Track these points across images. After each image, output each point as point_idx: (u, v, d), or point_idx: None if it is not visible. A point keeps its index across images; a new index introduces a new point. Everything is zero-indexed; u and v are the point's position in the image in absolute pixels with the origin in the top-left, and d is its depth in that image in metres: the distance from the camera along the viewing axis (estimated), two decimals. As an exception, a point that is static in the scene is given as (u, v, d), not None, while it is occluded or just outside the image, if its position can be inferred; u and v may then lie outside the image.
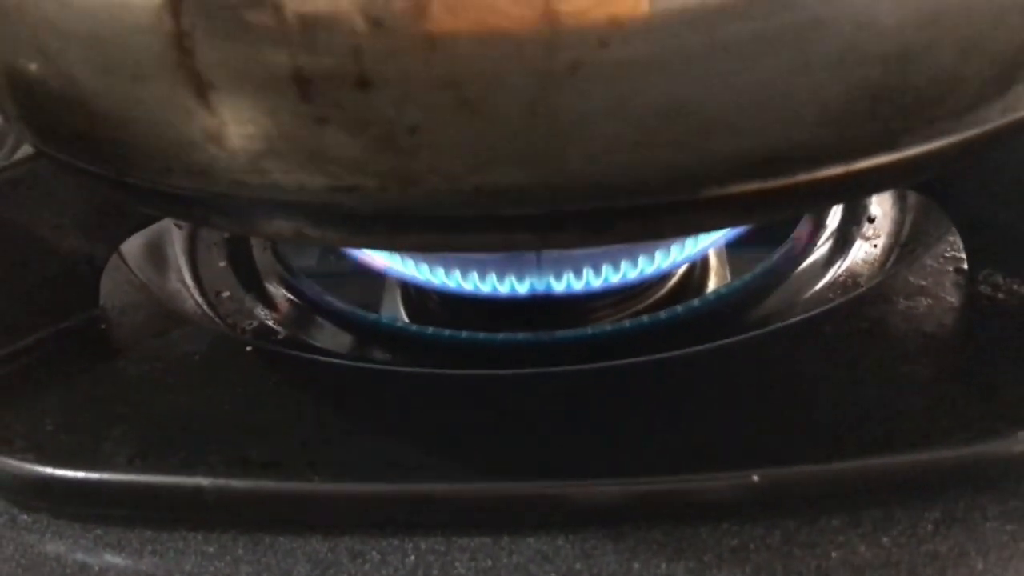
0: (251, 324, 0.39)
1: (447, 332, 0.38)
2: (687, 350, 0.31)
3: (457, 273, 0.38)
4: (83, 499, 0.29)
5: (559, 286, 0.38)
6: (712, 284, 0.43)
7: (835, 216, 0.42)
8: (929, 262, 0.34)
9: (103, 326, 0.35)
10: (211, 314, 0.39)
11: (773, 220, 0.39)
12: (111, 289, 0.36)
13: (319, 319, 0.40)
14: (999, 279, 0.32)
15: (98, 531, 0.28)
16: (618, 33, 0.19)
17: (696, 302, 0.38)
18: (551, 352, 0.37)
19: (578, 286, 0.38)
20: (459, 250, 0.35)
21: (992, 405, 0.28)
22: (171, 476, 0.28)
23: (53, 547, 0.28)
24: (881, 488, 0.27)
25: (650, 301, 0.41)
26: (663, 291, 0.42)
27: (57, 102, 0.24)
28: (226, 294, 0.41)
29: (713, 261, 0.43)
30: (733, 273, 0.43)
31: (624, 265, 0.38)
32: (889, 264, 0.39)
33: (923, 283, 0.33)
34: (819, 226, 0.41)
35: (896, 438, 0.27)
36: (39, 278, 0.33)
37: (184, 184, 0.24)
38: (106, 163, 0.26)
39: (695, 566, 0.26)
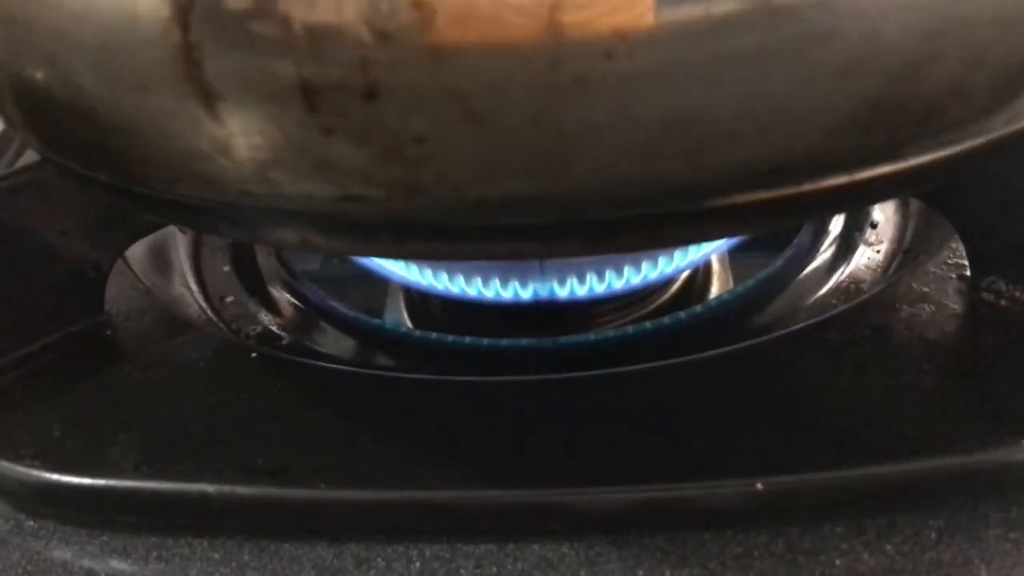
0: (255, 329, 0.39)
1: (450, 337, 0.38)
2: (691, 357, 0.32)
3: (461, 278, 0.38)
4: (89, 505, 0.29)
5: (562, 292, 0.38)
6: (715, 289, 0.43)
7: (838, 222, 0.42)
8: (932, 269, 0.34)
9: (108, 332, 0.35)
10: (215, 319, 0.39)
11: (777, 229, 0.39)
12: (116, 294, 0.36)
13: (323, 324, 0.40)
14: (1002, 286, 0.32)
15: (104, 537, 0.28)
16: (623, 45, 0.19)
17: (699, 308, 0.38)
18: (554, 358, 0.37)
19: (581, 292, 0.38)
20: (464, 259, 0.35)
21: (995, 413, 0.28)
22: (177, 483, 0.28)
23: (59, 553, 0.28)
24: (884, 496, 0.27)
25: (653, 306, 0.41)
26: (666, 296, 0.42)
27: (64, 111, 0.25)
28: (230, 299, 0.41)
29: (716, 266, 0.43)
30: (736, 278, 0.43)
31: (627, 271, 0.38)
32: (892, 270, 0.39)
33: (926, 290, 0.33)
34: (822, 232, 0.42)
35: (899, 446, 0.27)
36: (45, 284, 0.34)
37: (191, 193, 0.25)
38: (113, 171, 0.26)
39: (699, 573, 0.26)
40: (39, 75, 0.24)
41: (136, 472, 0.28)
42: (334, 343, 0.39)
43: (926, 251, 0.37)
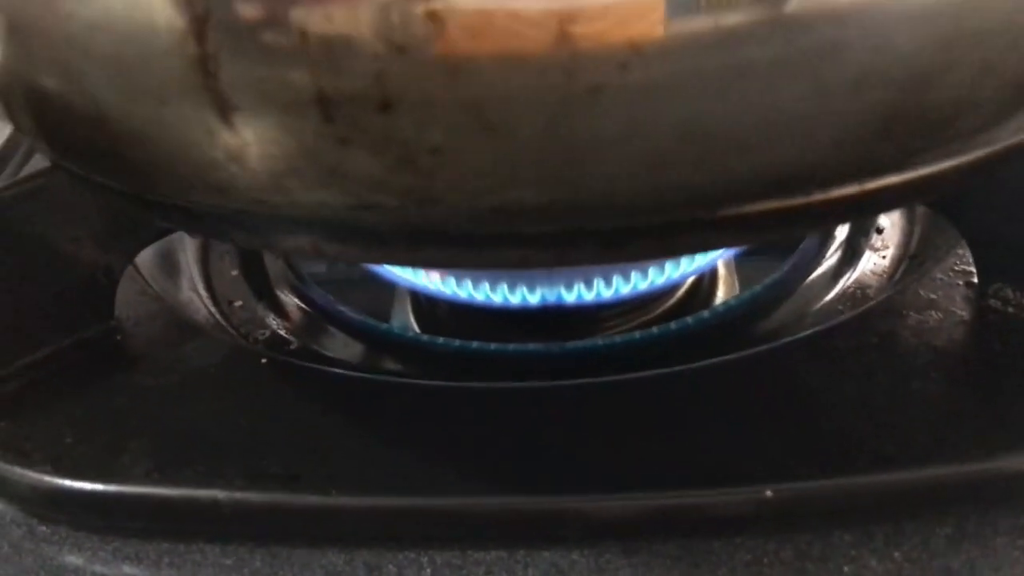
0: (263, 334, 0.39)
1: (457, 342, 0.38)
2: (698, 364, 0.32)
3: (468, 283, 0.39)
4: (101, 511, 0.29)
5: (570, 296, 0.38)
6: (721, 293, 0.43)
7: (844, 227, 0.42)
8: (939, 275, 0.34)
9: (119, 337, 0.35)
10: (224, 324, 0.39)
11: (786, 238, 0.40)
12: (126, 300, 0.36)
13: (331, 328, 0.41)
14: (1009, 293, 0.32)
15: (116, 543, 0.28)
16: (637, 57, 0.20)
17: (706, 313, 0.38)
18: (562, 363, 0.37)
19: (589, 297, 0.38)
20: (476, 267, 0.35)
21: (1003, 420, 0.28)
22: (188, 489, 0.28)
23: (71, 559, 0.28)
24: (893, 503, 0.27)
25: (659, 311, 0.41)
26: (672, 301, 0.42)
27: (78, 120, 0.25)
28: (238, 303, 0.41)
29: (722, 270, 0.43)
30: (741, 282, 0.43)
31: (635, 276, 0.38)
32: (898, 275, 0.39)
33: (933, 297, 0.33)
34: (828, 237, 0.42)
35: (908, 453, 0.27)
36: (56, 290, 0.34)
37: (205, 201, 0.25)
38: (126, 179, 0.26)
39: (708, 580, 0.26)
40: (53, 84, 0.24)
41: (147, 478, 0.28)
42: (342, 347, 0.40)
43: (933, 257, 0.37)
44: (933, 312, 0.33)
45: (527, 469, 0.28)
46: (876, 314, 0.33)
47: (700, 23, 0.20)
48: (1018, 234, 0.33)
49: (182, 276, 0.42)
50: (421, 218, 0.23)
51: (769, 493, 0.27)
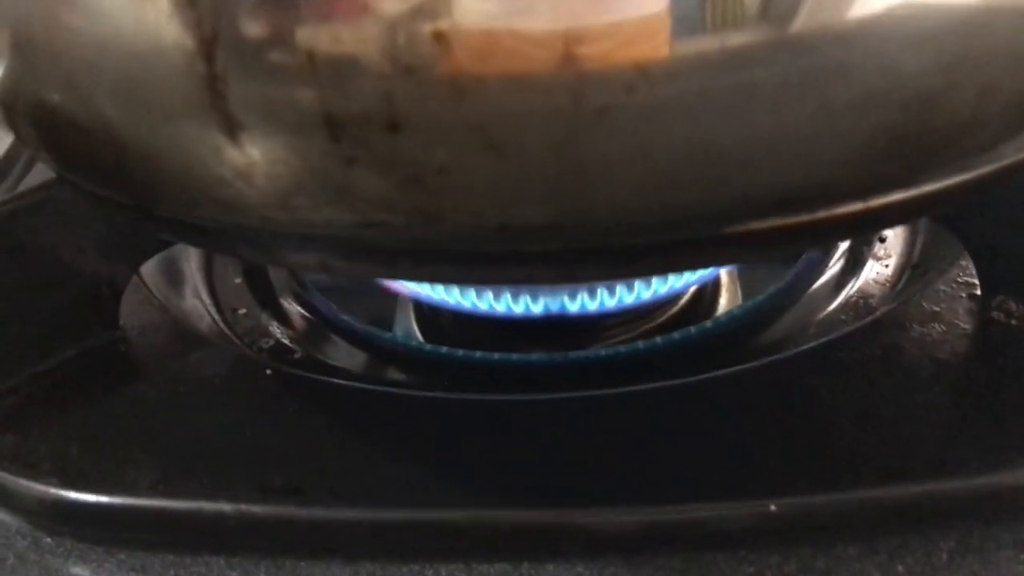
0: (267, 343, 0.39)
1: (461, 352, 0.38)
2: (702, 376, 0.32)
3: (472, 293, 0.39)
4: (107, 523, 0.29)
5: (573, 306, 0.39)
6: (723, 301, 0.43)
7: (846, 237, 0.42)
8: (942, 287, 0.35)
9: (123, 348, 0.35)
10: (228, 332, 0.39)
11: (790, 254, 0.40)
12: (130, 309, 0.36)
13: (334, 337, 0.41)
14: (1012, 306, 0.33)
15: (121, 555, 0.28)
16: (644, 79, 0.20)
17: (709, 324, 0.38)
18: (564, 373, 0.37)
19: (592, 306, 0.39)
20: (481, 283, 0.35)
21: (1006, 434, 0.28)
22: (194, 501, 0.28)
23: (77, 570, 0.28)
24: (896, 516, 0.27)
25: (662, 319, 0.41)
26: (675, 308, 0.42)
27: (84, 135, 0.25)
28: (242, 311, 0.41)
29: (724, 279, 0.43)
30: (744, 289, 0.43)
31: (638, 286, 0.38)
32: (901, 285, 0.39)
33: (936, 309, 0.33)
34: (831, 246, 0.42)
35: (911, 467, 0.28)
36: (61, 301, 0.34)
37: (211, 217, 0.25)
38: (132, 194, 0.26)
39: (713, 594, 0.26)
40: (60, 101, 0.24)
41: (153, 491, 0.29)
42: (346, 356, 0.40)
43: (936, 267, 0.37)
44: (936, 324, 0.33)
45: (531, 482, 0.28)
46: (880, 326, 0.33)
47: (706, 44, 0.20)
48: (1021, 246, 0.33)
49: (186, 284, 0.42)
50: (427, 236, 0.23)
51: (773, 507, 0.27)
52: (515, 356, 0.37)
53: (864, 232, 0.36)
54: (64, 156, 0.28)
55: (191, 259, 0.43)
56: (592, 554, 0.27)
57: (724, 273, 0.43)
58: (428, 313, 0.43)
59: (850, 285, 0.40)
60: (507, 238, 0.23)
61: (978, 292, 0.34)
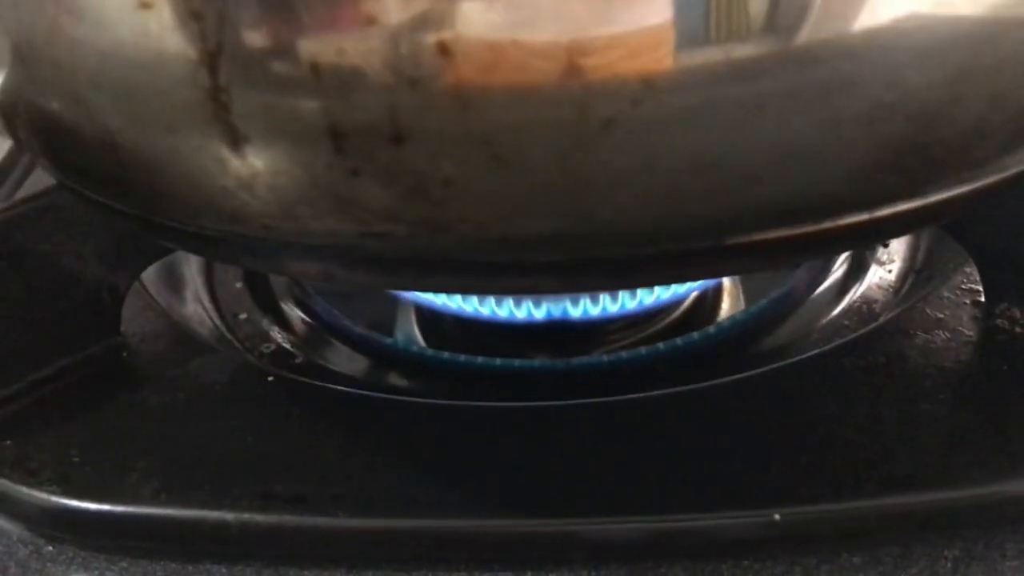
0: (268, 347, 0.39)
1: (462, 357, 0.38)
2: (705, 384, 0.32)
3: (474, 297, 0.38)
4: (108, 531, 0.29)
5: (576, 312, 0.38)
6: (726, 305, 0.43)
7: (849, 241, 0.42)
8: (946, 294, 0.34)
9: (125, 354, 0.35)
10: (229, 337, 0.39)
11: (795, 264, 0.40)
12: (131, 315, 0.36)
13: (336, 342, 0.41)
14: (1016, 313, 0.32)
15: (123, 563, 0.28)
16: (649, 92, 0.20)
17: (712, 329, 0.38)
18: (567, 379, 0.37)
19: (595, 312, 0.38)
20: (485, 293, 0.35)
21: (1011, 443, 0.28)
22: (196, 510, 0.28)
23: (79, 579, 0.28)
24: (901, 526, 0.27)
25: (665, 323, 0.41)
26: (677, 313, 0.42)
27: (86, 145, 0.25)
28: (243, 316, 0.41)
29: (727, 283, 0.43)
30: (746, 293, 0.43)
31: (641, 291, 0.38)
32: (904, 290, 0.39)
33: (940, 316, 0.33)
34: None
35: (915, 476, 0.27)
36: (62, 307, 0.34)
37: (214, 226, 0.25)
38: (134, 203, 0.26)
39: (717, 604, 0.26)
40: (61, 109, 0.24)
41: (155, 499, 0.28)
42: (347, 361, 0.40)
43: (940, 272, 0.37)
44: (940, 332, 0.33)
45: (534, 491, 0.28)
46: (884, 334, 0.33)
47: (711, 56, 0.20)
48: (1024, 254, 0.33)
49: (187, 289, 0.42)
50: (431, 246, 0.23)
51: (777, 516, 0.27)
52: (517, 361, 0.37)
53: (868, 242, 0.36)
54: (65, 164, 0.28)
55: (192, 264, 0.43)
56: (594, 563, 0.27)
57: (726, 278, 0.43)
58: (430, 317, 0.43)
59: (853, 290, 0.40)
60: (511, 248, 0.23)
61: (982, 299, 0.34)
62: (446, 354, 0.38)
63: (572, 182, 0.21)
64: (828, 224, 0.23)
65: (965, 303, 0.34)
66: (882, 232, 0.25)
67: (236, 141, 0.21)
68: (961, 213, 0.25)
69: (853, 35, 0.20)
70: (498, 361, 0.37)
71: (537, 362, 0.37)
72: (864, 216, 0.23)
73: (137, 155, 0.23)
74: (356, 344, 0.40)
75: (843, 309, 0.39)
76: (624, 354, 0.38)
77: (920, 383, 0.31)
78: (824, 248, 0.26)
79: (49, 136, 0.26)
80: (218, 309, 0.41)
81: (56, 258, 0.34)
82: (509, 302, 0.38)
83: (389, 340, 0.40)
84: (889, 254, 0.41)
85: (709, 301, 0.43)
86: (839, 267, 0.41)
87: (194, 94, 0.21)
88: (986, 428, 0.29)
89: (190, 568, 0.28)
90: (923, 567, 0.26)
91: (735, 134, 0.21)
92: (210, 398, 0.33)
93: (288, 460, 0.30)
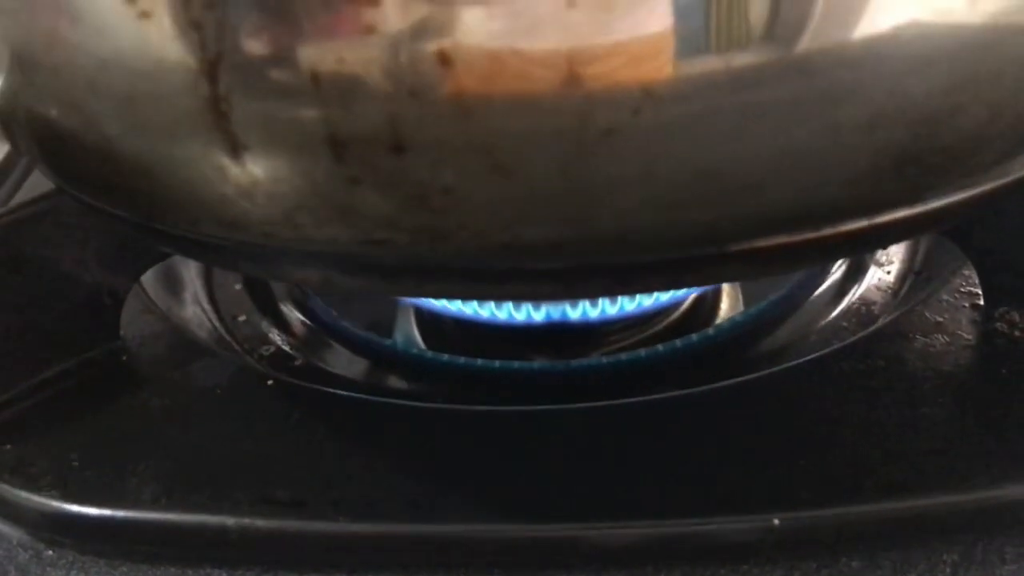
0: (268, 350, 0.39)
1: (462, 360, 0.38)
2: (704, 387, 0.32)
3: (474, 300, 0.38)
4: (109, 536, 0.29)
5: (575, 313, 0.38)
6: (724, 307, 0.43)
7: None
8: (945, 297, 0.34)
9: (124, 357, 0.35)
10: (229, 339, 0.39)
11: (796, 270, 0.40)
12: (130, 318, 0.36)
13: (335, 344, 0.41)
14: (1015, 317, 0.32)
15: (123, 568, 0.28)
16: (650, 100, 0.20)
17: (711, 331, 0.38)
18: (566, 381, 0.37)
19: (594, 313, 0.38)
20: (485, 299, 0.35)
21: (1010, 447, 0.28)
22: (196, 515, 0.28)
23: (79, 584, 0.28)
24: (899, 530, 0.27)
25: (663, 325, 0.41)
26: (676, 315, 0.42)
27: (85, 151, 0.25)
28: (242, 318, 0.41)
29: (725, 285, 0.43)
30: (745, 294, 0.43)
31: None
32: (903, 292, 0.39)
33: (939, 319, 0.33)
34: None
35: (914, 481, 0.27)
36: (61, 311, 0.34)
37: (213, 233, 0.25)
38: (134, 209, 0.26)
39: (716, 609, 0.26)
40: (60, 116, 0.24)
41: (155, 504, 0.28)
42: (346, 363, 0.40)
43: (938, 274, 0.37)
44: (939, 335, 0.33)
45: (532, 496, 0.28)
46: (883, 337, 0.33)
47: (711, 65, 0.20)
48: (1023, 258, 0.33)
49: (186, 291, 0.41)
50: (431, 254, 0.23)
51: (776, 521, 0.27)
52: (516, 364, 0.37)
53: (869, 249, 0.36)
54: (64, 169, 0.28)
55: (191, 267, 0.43)
56: (593, 568, 0.27)
57: (725, 280, 0.43)
58: (429, 319, 0.43)
59: (852, 292, 0.40)
60: (512, 256, 0.23)
61: (981, 302, 0.34)
62: (445, 356, 0.38)
63: (573, 190, 0.21)
64: (828, 231, 0.23)
65: (964, 306, 0.34)
66: (882, 239, 0.25)
67: (236, 149, 0.21)
68: (961, 219, 0.25)
69: (853, 43, 0.20)
70: (497, 363, 0.37)
71: (536, 364, 0.37)
72: (864, 223, 0.23)
73: (136, 163, 0.23)
74: (356, 346, 0.40)
75: (842, 311, 0.39)
76: (623, 356, 0.38)
77: (919, 387, 0.31)
78: (824, 255, 0.26)
79: (48, 142, 0.26)
80: (217, 312, 0.41)
81: (55, 262, 0.34)
82: (508, 304, 0.38)
83: (388, 342, 0.40)
84: (888, 256, 0.41)
85: (708, 303, 0.43)
86: (838, 269, 0.41)
87: (194, 103, 0.21)
88: (985, 432, 0.29)
89: (190, 572, 0.28)
90: (922, 571, 0.27)
91: (735, 142, 0.21)
92: (210, 401, 0.33)
93: (288, 464, 0.30)
